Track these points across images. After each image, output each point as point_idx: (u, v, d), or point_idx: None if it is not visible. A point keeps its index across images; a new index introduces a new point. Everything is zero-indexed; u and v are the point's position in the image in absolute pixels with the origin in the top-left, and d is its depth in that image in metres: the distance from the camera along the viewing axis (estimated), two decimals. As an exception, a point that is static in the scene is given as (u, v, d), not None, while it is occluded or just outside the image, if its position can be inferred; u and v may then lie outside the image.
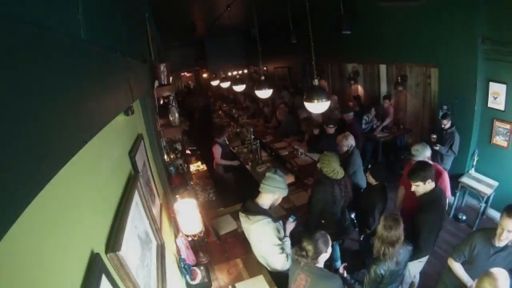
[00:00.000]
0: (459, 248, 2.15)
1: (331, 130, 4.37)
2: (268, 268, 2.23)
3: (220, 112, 8.94)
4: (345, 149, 3.47)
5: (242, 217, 2.18)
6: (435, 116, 4.32)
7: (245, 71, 11.50)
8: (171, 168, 2.82)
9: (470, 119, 3.93)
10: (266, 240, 2.07)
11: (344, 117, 5.01)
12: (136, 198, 1.14)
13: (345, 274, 2.17)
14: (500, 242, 1.94)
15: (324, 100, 2.40)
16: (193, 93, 11.38)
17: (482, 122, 3.91)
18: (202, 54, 10.89)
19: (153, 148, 2.14)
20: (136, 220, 1.11)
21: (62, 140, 0.47)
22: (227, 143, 5.10)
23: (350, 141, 3.47)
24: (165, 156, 2.89)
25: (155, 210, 1.58)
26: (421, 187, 2.41)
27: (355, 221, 3.23)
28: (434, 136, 3.93)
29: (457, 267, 2.16)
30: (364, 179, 3.32)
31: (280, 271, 2.16)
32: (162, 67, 2.44)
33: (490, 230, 2.05)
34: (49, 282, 0.50)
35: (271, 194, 2.12)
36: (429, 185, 2.40)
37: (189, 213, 2.11)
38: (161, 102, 2.76)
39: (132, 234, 1.01)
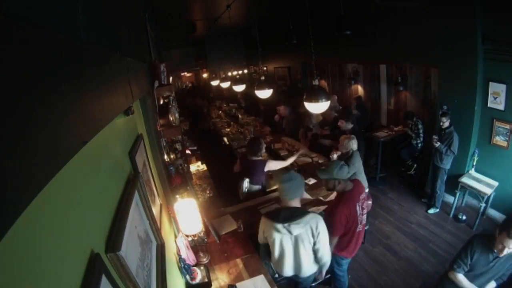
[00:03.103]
0: (459, 257, 2.10)
1: (326, 131, 4.37)
2: None
3: (220, 112, 8.93)
4: (345, 150, 3.44)
5: None
6: (435, 116, 4.32)
7: (245, 71, 11.50)
8: (171, 168, 2.81)
9: (470, 119, 3.94)
10: None
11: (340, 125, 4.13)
12: (136, 198, 1.14)
13: None
14: (500, 254, 1.94)
15: (324, 100, 2.40)
16: (194, 94, 11.35)
17: (482, 122, 3.91)
18: (202, 54, 10.87)
19: (153, 148, 2.14)
20: (136, 220, 1.11)
21: (62, 140, 0.47)
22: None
23: (352, 144, 3.37)
24: (165, 156, 2.88)
25: (155, 210, 1.58)
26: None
27: None
28: (436, 137, 3.95)
29: (461, 278, 2.08)
30: (365, 181, 3.33)
31: None
32: (162, 67, 2.43)
33: (489, 236, 2.03)
34: (49, 282, 0.50)
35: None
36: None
37: (189, 213, 2.11)
38: (161, 102, 2.75)
39: (132, 234, 1.01)
